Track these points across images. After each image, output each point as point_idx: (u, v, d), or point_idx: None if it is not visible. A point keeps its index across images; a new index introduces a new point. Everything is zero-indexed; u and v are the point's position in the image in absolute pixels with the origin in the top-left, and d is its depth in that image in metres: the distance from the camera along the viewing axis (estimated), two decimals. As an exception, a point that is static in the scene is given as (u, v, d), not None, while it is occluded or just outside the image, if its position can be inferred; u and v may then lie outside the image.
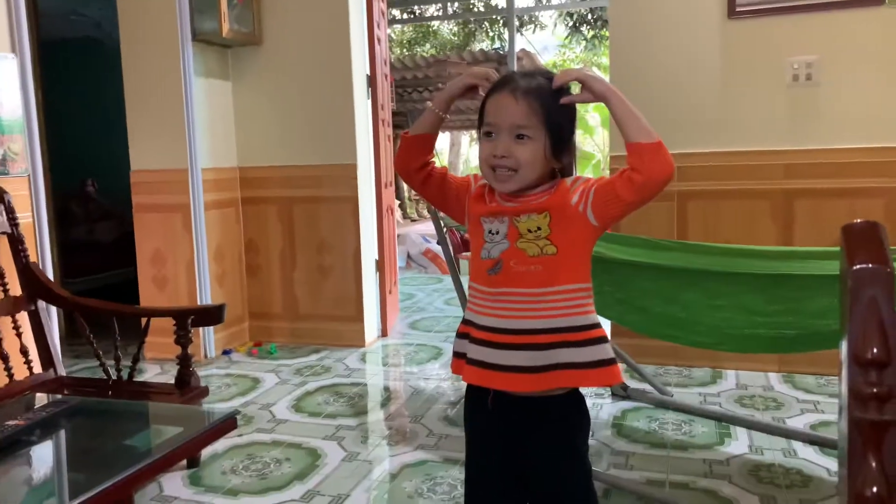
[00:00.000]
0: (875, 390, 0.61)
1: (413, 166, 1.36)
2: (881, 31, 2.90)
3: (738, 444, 2.43)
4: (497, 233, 1.27)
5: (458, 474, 2.25)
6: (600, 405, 2.81)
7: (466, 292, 1.37)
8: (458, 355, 1.35)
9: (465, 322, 1.34)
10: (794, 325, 2.03)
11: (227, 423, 1.63)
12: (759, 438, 2.46)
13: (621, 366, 3.13)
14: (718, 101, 3.11)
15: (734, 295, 2.04)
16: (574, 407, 1.30)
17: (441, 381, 3.22)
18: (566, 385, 1.25)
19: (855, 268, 0.62)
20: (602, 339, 1.25)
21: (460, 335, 1.35)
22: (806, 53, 2.99)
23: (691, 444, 2.44)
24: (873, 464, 0.59)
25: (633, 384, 2.96)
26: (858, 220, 0.70)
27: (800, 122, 3.03)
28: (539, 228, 1.24)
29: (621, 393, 2.89)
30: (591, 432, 1.35)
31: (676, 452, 2.38)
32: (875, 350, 0.61)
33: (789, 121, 3.04)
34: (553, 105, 1.24)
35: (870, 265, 0.62)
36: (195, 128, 3.51)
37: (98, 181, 5.26)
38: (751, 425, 2.56)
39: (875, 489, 0.59)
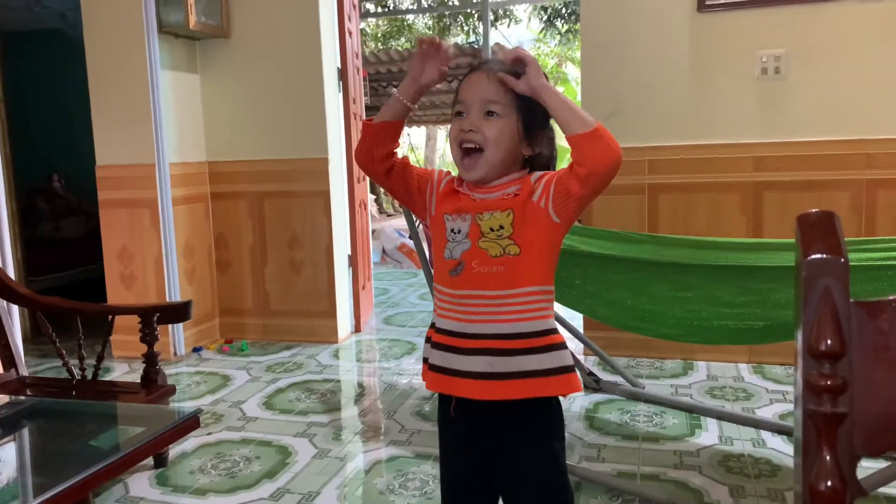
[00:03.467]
0: (829, 382, 0.60)
1: (376, 155, 1.28)
2: (847, 25, 2.93)
3: (709, 434, 2.45)
4: (459, 231, 1.23)
5: (430, 469, 2.24)
6: (573, 398, 2.81)
7: None
8: (425, 360, 1.30)
9: (432, 325, 1.30)
10: (761, 316, 2.04)
11: (190, 422, 1.60)
12: (729, 429, 2.48)
13: (593, 358, 3.18)
14: (688, 94, 3.12)
15: (702, 287, 2.05)
16: (543, 410, 1.24)
17: (414, 376, 3.20)
18: (524, 395, 1.20)
19: (809, 258, 0.62)
20: (561, 346, 1.21)
21: (427, 339, 1.30)
22: (774, 47, 3.01)
23: (662, 436, 2.45)
24: (827, 457, 0.59)
25: (604, 376, 2.97)
26: (814, 210, 0.69)
27: (768, 116, 3.05)
28: (502, 227, 1.19)
29: (593, 385, 2.90)
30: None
31: (648, 444, 2.39)
32: (829, 341, 0.60)
33: (758, 114, 3.06)
34: None
35: (824, 255, 0.62)
36: (162, 122, 3.44)
37: (65, 176, 5.15)
38: (721, 416, 2.58)
39: (829, 483, 0.59)
